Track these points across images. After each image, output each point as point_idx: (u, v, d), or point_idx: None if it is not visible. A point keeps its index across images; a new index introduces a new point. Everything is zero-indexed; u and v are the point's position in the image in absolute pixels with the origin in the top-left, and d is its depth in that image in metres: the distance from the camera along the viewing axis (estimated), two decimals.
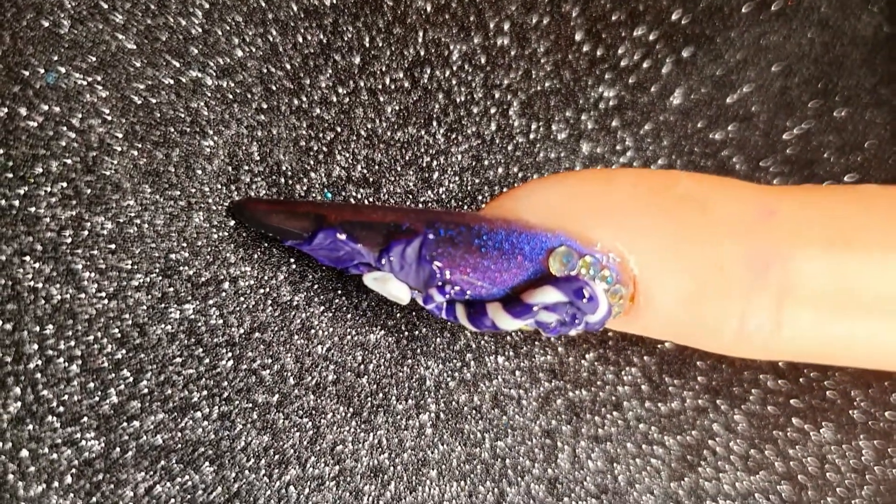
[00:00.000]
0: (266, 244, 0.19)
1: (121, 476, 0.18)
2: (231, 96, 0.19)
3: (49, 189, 0.18)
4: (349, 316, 0.20)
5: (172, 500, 0.18)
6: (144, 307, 0.18)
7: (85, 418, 0.18)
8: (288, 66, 0.20)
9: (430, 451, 0.20)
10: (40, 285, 0.18)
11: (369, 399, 0.20)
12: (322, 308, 0.20)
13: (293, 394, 0.19)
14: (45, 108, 0.18)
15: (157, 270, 0.18)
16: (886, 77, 0.23)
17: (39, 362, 0.17)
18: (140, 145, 0.18)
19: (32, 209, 0.18)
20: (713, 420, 0.22)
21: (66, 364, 0.18)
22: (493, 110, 0.21)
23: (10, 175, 0.17)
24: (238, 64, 0.19)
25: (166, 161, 0.18)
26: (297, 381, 0.19)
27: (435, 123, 0.21)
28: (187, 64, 0.19)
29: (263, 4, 0.19)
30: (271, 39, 0.19)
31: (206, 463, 0.18)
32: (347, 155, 0.20)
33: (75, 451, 0.18)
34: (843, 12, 0.23)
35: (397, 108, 0.20)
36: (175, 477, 0.18)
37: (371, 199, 0.20)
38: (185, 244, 0.18)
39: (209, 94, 0.19)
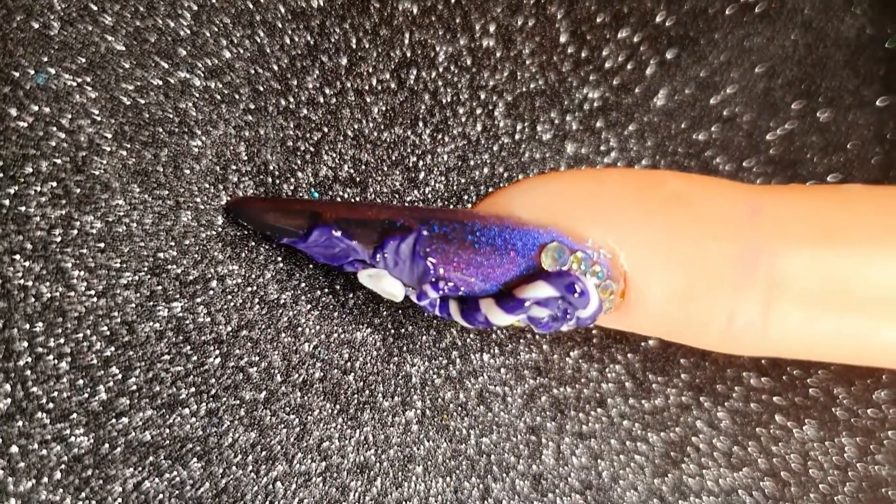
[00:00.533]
0: (253, 243, 0.19)
1: (109, 472, 0.18)
2: (219, 97, 0.19)
3: (39, 188, 0.18)
4: (336, 314, 0.20)
5: (161, 496, 0.18)
6: (133, 305, 0.18)
7: (74, 415, 0.18)
8: (275, 67, 0.20)
9: (415, 447, 0.20)
10: (30, 283, 0.18)
11: (356, 396, 0.20)
12: (309, 306, 0.20)
13: (280, 391, 0.19)
14: (35, 108, 0.18)
15: (146, 269, 0.18)
16: (869, 78, 0.23)
17: (29, 359, 0.18)
18: (129, 145, 0.18)
19: (22, 208, 0.18)
20: (696, 417, 0.22)
21: (56, 361, 0.18)
22: (478, 111, 0.21)
23: (1, 175, 0.18)
24: (226, 65, 0.19)
25: (155, 161, 0.19)
26: (284, 379, 0.19)
27: (421, 124, 0.21)
28: (176, 65, 0.19)
29: (251, 6, 0.20)
30: (259, 41, 0.20)
31: (194, 459, 0.19)
32: (334, 155, 0.20)
33: (65, 447, 0.18)
34: (826, 14, 0.23)
35: (384, 108, 0.21)
36: (163, 473, 0.18)
37: (358, 199, 0.21)
38: (173, 243, 0.19)
39: (197, 95, 0.19)
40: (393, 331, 0.21)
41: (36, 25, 0.18)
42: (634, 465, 0.22)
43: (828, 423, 0.22)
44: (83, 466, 0.18)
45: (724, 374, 0.22)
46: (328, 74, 0.20)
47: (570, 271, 0.17)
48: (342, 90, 0.20)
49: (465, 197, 0.21)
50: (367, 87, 0.21)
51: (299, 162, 0.20)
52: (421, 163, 0.21)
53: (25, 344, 0.18)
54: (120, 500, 0.18)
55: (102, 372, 0.18)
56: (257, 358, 0.19)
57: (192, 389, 0.19)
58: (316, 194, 0.20)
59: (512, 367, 0.21)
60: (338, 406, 0.20)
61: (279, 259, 0.20)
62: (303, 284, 0.20)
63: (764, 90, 0.23)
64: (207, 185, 0.19)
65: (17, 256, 0.18)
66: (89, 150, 0.18)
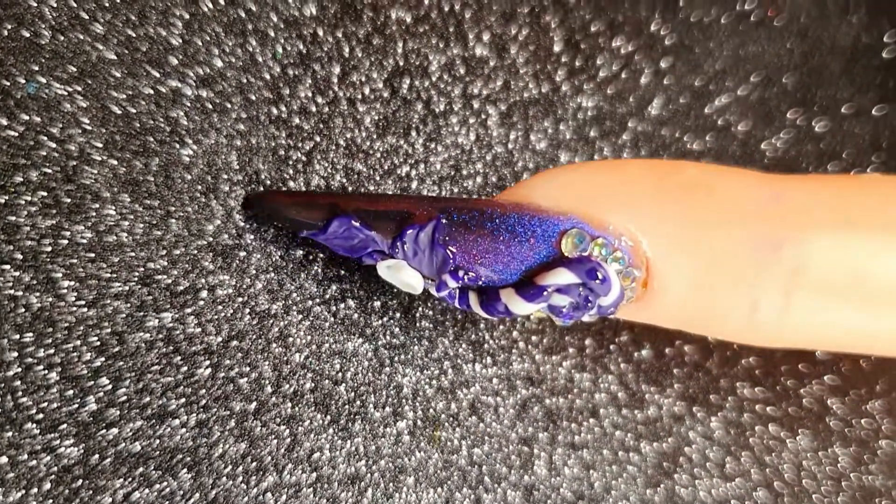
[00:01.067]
0: (244, 253, 0.19)
1: (99, 482, 0.18)
2: (210, 106, 0.19)
3: (29, 198, 0.18)
4: (327, 324, 0.20)
5: None
6: (123, 315, 0.18)
7: (64, 425, 0.18)
8: (267, 76, 0.20)
9: (407, 458, 0.20)
10: (20, 293, 0.18)
11: (347, 406, 0.20)
12: (300, 317, 0.20)
13: (271, 401, 0.19)
14: (26, 117, 0.18)
15: (136, 279, 0.18)
16: (865, 87, 0.23)
17: (18, 370, 0.18)
18: (119, 154, 0.18)
19: (12, 218, 0.18)
20: (689, 427, 0.22)
21: (46, 371, 0.18)
22: (472, 120, 0.21)
23: None
24: (217, 74, 0.19)
25: (145, 170, 0.19)
26: (274, 389, 0.19)
27: (414, 133, 0.21)
28: (167, 74, 0.19)
29: (243, 15, 0.20)
30: (250, 50, 0.20)
31: (184, 470, 0.19)
32: (326, 164, 0.20)
33: (54, 457, 0.18)
34: (822, 22, 0.23)
35: (376, 117, 0.21)
36: (153, 483, 0.18)
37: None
38: (163, 253, 0.19)
39: (188, 104, 0.19)
40: (384, 341, 0.21)
41: (26, 34, 0.18)
42: (627, 476, 0.21)
43: (822, 434, 0.22)
44: (73, 477, 0.18)
45: (717, 385, 0.22)
46: (320, 83, 0.20)
47: (591, 257, 0.16)
48: (334, 99, 0.20)
49: None
50: (359, 96, 0.20)
51: (291, 171, 0.20)
52: (414, 172, 0.21)
53: (15, 354, 0.18)
54: None
55: (92, 382, 0.18)
56: (248, 368, 0.19)
57: (182, 400, 0.19)
58: None
59: (504, 377, 0.21)
60: (329, 417, 0.20)
61: (270, 269, 0.20)
62: (294, 295, 0.20)
63: (759, 99, 0.22)
64: (198, 195, 0.19)
65: (7, 266, 0.18)
66: (80, 159, 0.18)
